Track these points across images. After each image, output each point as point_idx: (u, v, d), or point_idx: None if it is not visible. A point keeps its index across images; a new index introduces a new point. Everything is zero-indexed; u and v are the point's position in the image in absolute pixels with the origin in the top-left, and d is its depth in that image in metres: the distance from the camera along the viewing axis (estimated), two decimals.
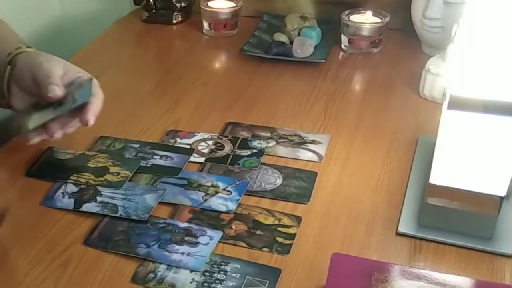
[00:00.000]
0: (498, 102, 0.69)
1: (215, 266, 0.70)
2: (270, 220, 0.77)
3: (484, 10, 0.76)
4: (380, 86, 1.09)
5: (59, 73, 0.82)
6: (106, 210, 0.78)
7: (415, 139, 0.92)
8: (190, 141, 0.92)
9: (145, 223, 0.76)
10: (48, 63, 0.83)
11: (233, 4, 1.27)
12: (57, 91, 0.80)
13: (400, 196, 0.81)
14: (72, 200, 0.80)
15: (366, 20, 1.19)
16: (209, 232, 0.75)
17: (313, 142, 0.92)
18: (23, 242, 0.73)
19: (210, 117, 0.99)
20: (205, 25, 1.28)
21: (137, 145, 0.91)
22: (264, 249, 0.73)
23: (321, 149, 0.91)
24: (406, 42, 1.23)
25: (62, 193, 0.81)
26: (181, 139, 0.93)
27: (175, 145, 0.91)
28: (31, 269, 0.70)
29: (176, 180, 0.83)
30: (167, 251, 0.72)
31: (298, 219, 0.77)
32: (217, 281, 0.68)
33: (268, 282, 0.68)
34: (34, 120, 0.80)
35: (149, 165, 0.86)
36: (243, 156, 0.89)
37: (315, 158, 0.89)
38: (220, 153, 0.90)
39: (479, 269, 0.71)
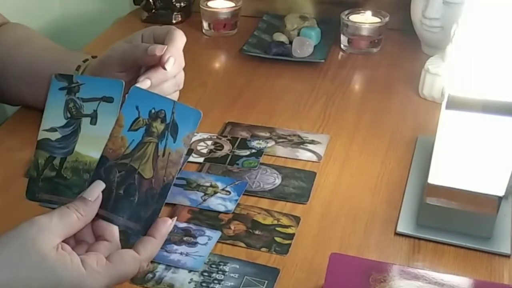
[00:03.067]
0: (497, 102, 0.69)
1: (213, 266, 0.70)
2: (269, 220, 0.77)
3: (483, 10, 0.76)
4: (379, 86, 1.09)
5: (139, 38, 0.83)
6: None
7: (415, 139, 0.92)
8: None
9: None
10: (117, 46, 0.85)
11: (232, 4, 1.27)
12: (157, 48, 0.77)
13: (399, 196, 0.81)
14: None
15: (365, 20, 1.19)
16: (208, 232, 0.75)
17: (312, 142, 0.92)
18: None
19: (209, 117, 0.99)
20: (205, 25, 1.28)
21: None
22: (263, 249, 0.73)
23: (320, 149, 0.91)
24: (406, 42, 1.23)
25: None
26: None
27: None
28: None
29: (175, 180, 0.83)
30: (166, 251, 0.72)
31: (297, 219, 0.77)
32: (216, 281, 0.68)
33: (266, 282, 0.68)
34: None
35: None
36: (242, 156, 0.89)
37: (314, 158, 0.89)
38: (219, 153, 0.90)
39: (478, 269, 0.71)
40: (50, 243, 0.57)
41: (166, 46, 0.78)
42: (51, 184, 0.66)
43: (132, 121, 0.65)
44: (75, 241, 0.62)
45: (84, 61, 0.90)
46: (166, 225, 0.63)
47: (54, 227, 0.58)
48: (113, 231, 0.63)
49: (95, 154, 0.65)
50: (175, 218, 0.65)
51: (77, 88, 0.67)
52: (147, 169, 0.64)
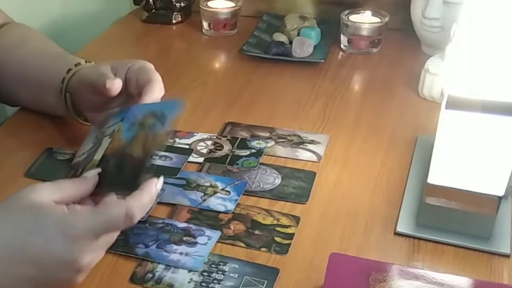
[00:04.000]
0: (497, 102, 0.69)
1: (213, 266, 0.70)
2: (268, 220, 0.77)
3: (483, 10, 0.76)
4: (379, 86, 1.09)
5: (108, 69, 0.82)
6: None
7: (414, 139, 0.92)
8: (189, 141, 0.92)
9: (143, 223, 0.76)
10: (94, 68, 0.85)
11: (232, 4, 1.27)
12: (114, 82, 0.78)
13: (398, 196, 0.81)
14: None
15: (365, 20, 1.19)
16: (208, 232, 0.75)
17: (312, 142, 0.92)
18: None
19: (209, 117, 0.99)
20: (205, 25, 1.28)
21: None
22: (263, 249, 0.73)
23: (320, 149, 0.91)
24: (406, 42, 1.23)
25: None
26: (180, 139, 0.93)
27: (174, 145, 0.91)
28: None
29: (174, 180, 0.83)
30: (166, 251, 0.72)
31: (297, 219, 0.77)
32: (215, 281, 0.68)
33: (266, 282, 0.68)
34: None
35: (148, 165, 0.86)
36: (242, 156, 0.89)
37: (314, 158, 0.89)
38: (219, 153, 0.90)
39: (477, 268, 0.71)
40: (42, 196, 0.62)
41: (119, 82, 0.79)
42: None
43: (128, 125, 0.73)
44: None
45: (76, 65, 0.89)
46: (152, 181, 0.67)
47: (47, 185, 0.64)
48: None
49: None
50: (162, 178, 0.68)
51: (105, 123, 0.79)
52: (136, 149, 0.70)
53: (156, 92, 0.78)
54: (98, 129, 0.80)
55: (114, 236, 0.66)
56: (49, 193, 0.63)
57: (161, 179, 0.68)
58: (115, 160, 0.70)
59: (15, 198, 0.63)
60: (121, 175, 0.68)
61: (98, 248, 0.64)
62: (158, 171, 0.83)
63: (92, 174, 0.68)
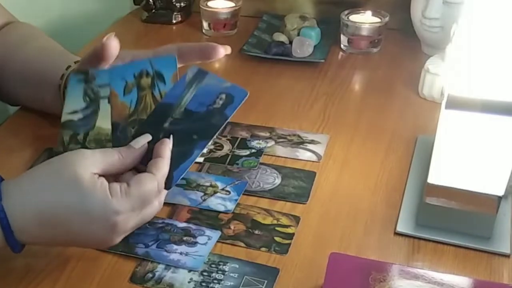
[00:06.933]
0: (496, 102, 0.69)
1: (213, 265, 0.70)
2: (268, 220, 0.77)
3: (483, 10, 0.76)
4: (379, 86, 1.09)
5: None
6: None
7: (414, 139, 0.92)
8: None
9: None
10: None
11: (232, 4, 1.27)
12: (111, 35, 0.74)
13: (398, 196, 0.81)
14: None
15: (365, 20, 1.19)
16: (208, 232, 0.75)
17: (312, 142, 0.92)
18: None
19: None
20: (205, 25, 1.28)
21: None
22: (263, 248, 0.73)
23: (320, 149, 0.91)
24: (406, 42, 1.23)
25: None
26: None
27: None
28: (30, 269, 0.70)
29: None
30: (166, 251, 0.72)
31: (297, 219, 0.77)
32: (215, 281, 0.68)
33: (266, 281, 0.68)
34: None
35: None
36: (242, 156, 0.89)
37: (314, 158, 0.89)
38: (219, 153, 0.90)
39: (477, 268, 0.71)
40: (87, 169, 0.64)
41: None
42: None
43: (122, 88, 0.74)
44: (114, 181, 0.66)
45: (75, 62, 0.89)
46: (166, 144, 0.69)
47: (94, 158, 0.65)
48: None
49: None
50: (171, 137, 0.70)
51: (92, 78, 0.75)
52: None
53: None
54: (81, 80, 0.76)
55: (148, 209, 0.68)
56: (95, 168, 0.64)
57: (171, 139, 0.70)
58: (134, 128, 0.71)
59: (63, 166, 0.64)
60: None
61: (135, 219, 0.67)
62: None
63: (139, 144, 0.68)
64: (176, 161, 0.69)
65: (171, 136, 0.70)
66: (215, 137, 0.72)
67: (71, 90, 0.76)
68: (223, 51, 0.80)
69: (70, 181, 0.63)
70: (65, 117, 0.75)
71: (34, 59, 0.93)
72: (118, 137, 0.72)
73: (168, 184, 0.69)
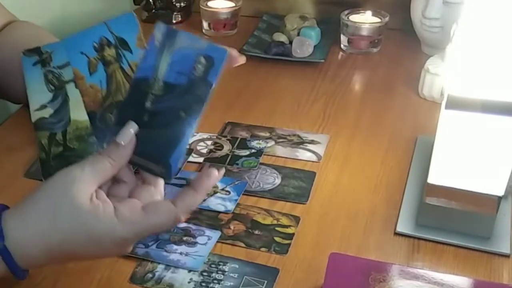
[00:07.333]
0: (496, 102, 0.69)
1: (213, 266, 0.70)
2: (268, 220, 0.77)
3: (482, 10, 0.76)
4: (379, 86, 1.09)
5: None
6: None
7: (414, 139, 0.92)
8: (189, 141, 0.92)
9: None
10: None
11: (232, 4, 1.27)
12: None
13: (398, 196, 0.81)
14: None
15: (365, 20, 1.19)
16: (208, 232, 0.75)
17: (312, 142, 0.92)
18: None
19: (209, 117, 0.98)
20: (205, 25, 1.28)
21: None
22: (262, 249, 0.73)
23: (320, 149, 0.91)
24: (406, 42, 1.23)
25: None
26: None
27: None
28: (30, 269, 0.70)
29: (174, 180, 0.83)
30: (166, 251, 0.72)
31: (297, 219, 0.77)
32: (215, 281, 0.68)
33: (266, 282, 0.68)
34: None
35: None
36: (242, 156, 0.89)
37: (314, 158, 0.89)
38: (219, 153, 0.90)
39: (477, 268, 0.71)
40: (84, 193, 0.58)
41: None
42: (62, 159, 0.66)
43: (86, 66, 0.66)
44: (112, 181, 0.62)
45: None
46: (210, 178, 0.61)
47: (87, 177, 0.59)
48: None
49: None
50: (223, 170, 0.62)
51: (49, 58, 0.68)
52: (124, 90, 0.64)
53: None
54: (37, 63, 0.69)
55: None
56: (91, 187, 0.59)
57: (222, 171, 0.62)
58: (113, 114, 0.62)
59: (60, 195, 0.59)
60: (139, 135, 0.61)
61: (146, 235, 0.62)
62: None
63: (126, 139, 0.60)
64: (168, 144, 0.61)
65: (223, 170, 0.62)
66: (203, 110, 0.61)
67: (30, 77, 0.68)
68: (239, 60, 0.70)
69: (71, 214, 0.58)
70: (35, 115, 0.67)
71: None
72: (99, 128, 0.65)
73: (167, 177, 0.62)
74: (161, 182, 0.63)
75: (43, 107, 0.68)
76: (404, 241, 0.74)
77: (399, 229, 0.75)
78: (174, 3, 1.32)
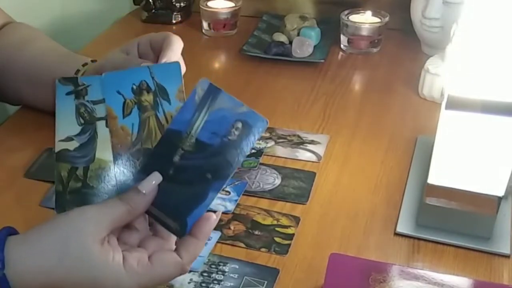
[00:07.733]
0: (496, 102, 0.69)
1: (213, 266, 0.70)
2: (268, 221, 0.77)
3: (482, 10, 0.76)
4: (379, 86, 1.09)
5: (124, 53, 0.83)
6: None
7: (414, 139, 0.92)
8: None
9: None
10: (109, 59, 0.83)
11: (232, 4, 1.27)
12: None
13: (398, 196, 0.81)
14: None
15: (365, 20, 1.19)
16: None
17: (312, 142, 0.92)
18: None
19: None
20: (205, 25, 1.28)
21: None
22: (263, 249, 0.73)
23: (319, 149, 0.91)
24: (406, 42, 1.23)
25: None
26: None
27: None
28: None
29: None
30: None
31: (297, 220, 0.77)
32: (215, 282, 0.68)
33: (266, 282, 0.68)
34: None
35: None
36: None
37: (314, 158, 0.89)
38: None
39: (477, 269, 0.71)
40: (97, 235, 0.57)
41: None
42: (79, 196, 0.63)
43: (121, 107, 0.64)
44: (125, 226, 0.61)
45: (83, 65, 0.90)
46: (209, 222, 0.60)
47: (102, 220, 0.58)
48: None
49: None
50: (220, 212, 0.61)
51: (84, 91, 0.66)
52: (155, 138, 0.63)
53: (175, 43, 0.79)
54: (71, 93, 0.66)
55: None
56: (104, 230, 0.58)
57: (219, 213, 0.61)
58: (139, 160, 0.62)
59: (70, 234, 0.57)
60: (163, 189, 0.60)
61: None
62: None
63: (149, 188, 0.60)
64: (189, 203, 0.60)
65: (219, 212, 0.61)
66: (230, 176, 0.60)
67: (61, 106, 0.65)
68: None
69: (80, 254, 0.56)
70: (59, 146, 0.65)
71: (39, 59, 0.94)
72: (121, 172, 0.63)
73: (180, 234, 0.60)
74: (172, 238, 0.61)
75: (69, 139, 0.65)
76: (404, 241, 0.74)
77: (399, 229, 0.75)
78: (174, 3, 1.32)
